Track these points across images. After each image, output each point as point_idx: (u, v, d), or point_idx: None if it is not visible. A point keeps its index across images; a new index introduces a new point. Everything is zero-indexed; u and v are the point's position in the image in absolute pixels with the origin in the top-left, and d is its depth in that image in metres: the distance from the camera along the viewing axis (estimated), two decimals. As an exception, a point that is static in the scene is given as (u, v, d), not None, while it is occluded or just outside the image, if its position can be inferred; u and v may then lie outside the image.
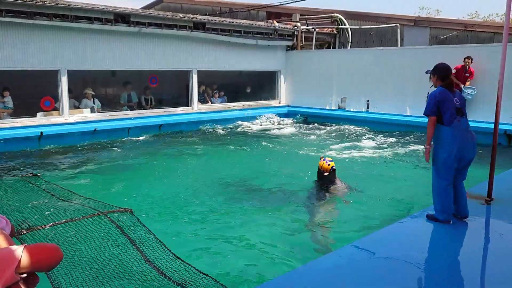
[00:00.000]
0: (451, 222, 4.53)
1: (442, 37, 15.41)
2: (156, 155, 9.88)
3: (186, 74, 13.77)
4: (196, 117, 13.53)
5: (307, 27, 16.43)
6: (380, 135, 12.20)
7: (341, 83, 14.82)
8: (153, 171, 8.61)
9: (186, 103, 13.89)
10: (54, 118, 11.09)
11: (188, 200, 6.73)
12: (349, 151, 10.18)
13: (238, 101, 15.29)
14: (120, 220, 4.75)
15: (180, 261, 3.69)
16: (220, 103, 14.97)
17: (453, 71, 10.78)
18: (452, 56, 11.59)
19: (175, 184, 7.63)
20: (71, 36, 11.10)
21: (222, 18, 14.86)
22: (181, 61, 13.38)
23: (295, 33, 16.08)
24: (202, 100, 14.45)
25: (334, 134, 12.75)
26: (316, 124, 14.29)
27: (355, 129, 13.18)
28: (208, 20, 13.78)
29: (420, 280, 3.44)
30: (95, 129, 11.22)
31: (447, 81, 4.48)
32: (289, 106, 16.10)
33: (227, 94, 15.29)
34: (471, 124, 4.67)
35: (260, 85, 16.26)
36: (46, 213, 5.00)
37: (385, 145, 10.98)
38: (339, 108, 14.86)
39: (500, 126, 5.60)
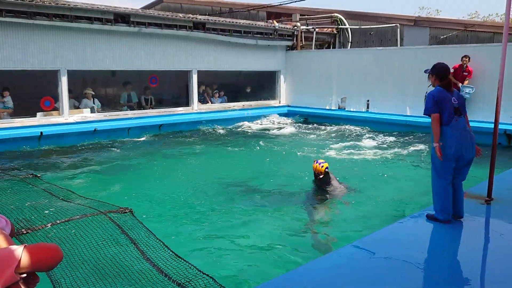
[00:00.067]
0: (450, 222, 4.53)
1: (442, 37, 15.41)
2: (156, 155, 9.89)
3: (186, 74, 13.76)
4: (196, 117, 13.52)
5: (307, 27, 16.43)
6: (380, 135, 12.20)
7: (341, 83, 14.82)
8: (153, 171, 8.61)
9: (186, 103, 13.89)
10: (54, 118, 11.09)
11: (188, 200, 6.73)
12: (349, 151, 10.18)
13: (238, 101, 15.29)
14: (120, 220, 4.74)
15: (179, 260, 3.69)
16: (220, 103, 14.97)
17: (451, 70, 10.81)
18: (452, 56, 11.59)
19: (175, 184, 7.63)
20: (71, 36, 11.10)
21: (222, 18, 14.86)
22: (181, 61, 13.38)
23: (295, 33, 16.08)
24: (202, 100, 14.45)
25: (334, 134, 12.75)
26: (316, 124, 14.29)
27: (355, 129, 13.18)
28: (208, 20, 13.78)
29: (420, 280, 3.44)
30: (95, 129, 11.22)
31: (446, 81, 4.48)
32: (289, 106, 16.10)
33: (227, 94, 15.29)
34: (471, 124, 4.67)
35: (260, 85, 16.26)
36: (46, 212, 4.99)
37: (385, 145, 10.98)
38: (339, 108, 14.86)
39: (500, 126, 5.60)
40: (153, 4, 22.96)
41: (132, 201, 6.46)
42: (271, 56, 15.74)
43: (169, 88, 14.78)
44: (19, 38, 10.34)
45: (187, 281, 3.26)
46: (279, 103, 16.26)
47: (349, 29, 17.17)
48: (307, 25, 16.67)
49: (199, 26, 13.44)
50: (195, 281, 3.23)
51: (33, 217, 4.82)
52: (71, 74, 11.31)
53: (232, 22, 14.37)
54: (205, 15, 16.22)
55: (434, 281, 3.41)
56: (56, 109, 11.26)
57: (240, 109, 14.90)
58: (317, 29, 16.63)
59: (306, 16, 17.66)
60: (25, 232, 4.17)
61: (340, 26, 17.28)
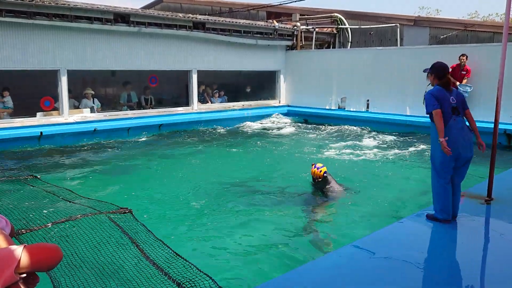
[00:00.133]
0: (450, 222, 4.53)
1: (442, 36, 15.41)
2: (155, 155, 9.88)
3: (186, 74, 13.76)
4: (196, 117, 13.52)
5: (307, 27, 16.43)
6: (380, 135, 12.20)
7: (341, 83, 14.81)
8: (152, 171, 8.61)
9: (186, 103, 13.89)
10: (54, 118, 11.09)
11: (187, 200, 6.73)
12: (348, 151, 10.18)
13: (238, 101, 15.28)
14: (119, 220, 4.74)
15: (179, 260, 3.69)
16: (220, 103, 14.97)
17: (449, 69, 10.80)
18: (452, 56, 11.58)
19: (175, 184, 7.63)
20: (71, 36, 11.10)
21: (222, 18, 14.85)
22: (181, 61, 13.37)
23: (295, 33, 16.07)
24: (202, 100, 14.45)
25: (334, 134, 12.75)
26: (315, 124, 14.29)
27: (354, 129, 13.19)
28: (208, 20, 13.78)
29: (420, 280, 3.44)
30: (94, 129, 11.22)
31: (444, 80, 4.48)
32: (288, 106, 16.10)
33: (227, 94, 15.28)
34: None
35: (260, 85, 16.26)
36: (45, 212, 4.99)
37: (385, 145, 10.98)
38: (339, 108, 14.85)
39: (500, 126, 5.60)
40: (153, 4, 22.95)
41: (132, 201, 6.46)
42: (271, 56, 15.74)
43: (169, 88, 14.77)
44: (19, 38, 10.34)
45: (187, 280, 3.26)
46: (279, 103, 16.26)
47: (349, 29, 17.16)
48: (307, 25, 16.67)
49: (199, 26, 13.44)
50: (195, 281, 3.22)
51: (32, 216, 4.82)
52: (71, 74, 11.31)
53: (232, 22, 14.36)
54: (205, 15, 16.22)
55: (434, 281, 3.41)
56: (56, 109, 11.26)
57: (240, 109, 14.89)
58: (317, 29, 16.63)
59: (306, 16, 17.66)
60: (24, 232, 4.17)
61: (340, 26, 17.28)
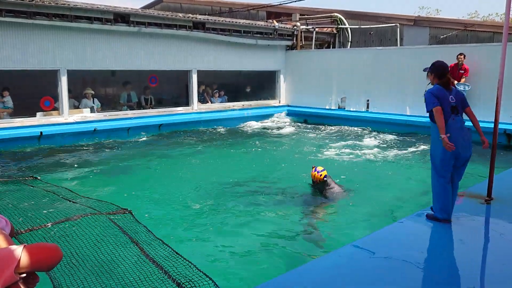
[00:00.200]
0: (450, 222, 4.53)
1: (441, 36, 15.41)
2: (155, 155, 9.88)
3: (186, 74, 13.76)
4: (196, 117, 13.52)
5: (306, 27, 16.43)
6: (380, 135, 12.21)
7: (340, 82, 14.81)
8: (152, 171, 8.61)
9: (186, 103, 13.89)
10: (54, 118, 11.08)
11: (187, 200, 6.73)
12: (348, 151, 10.18)
13: (238, 101, 15.28)
14: (119, 220, 4.74)
15: (179, 259, 3.69)
16: (220, 103, 14.97)
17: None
18: (452, 55, 11.58)
19: (175, 184, 7.63)
20: (70, 36, 11.10)
21: (221, 18, 14.85)
22: (180, 61, 13.37)
23: (294, 33, 16.07)
24: (202, 100, 14.45)
25: (333, 134, 12.75)
26: (315, 124, 14.29)
27: (354, 129, 13.19)
28: (207, 19, 13.78)
29: (420, 280, 3.44)
30: (94, 129, 11.22)
31: (444, 79, 4.48)
32: (288, 105, 16.10)
33: (227, 94, 15.28)
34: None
35: (260, 84, 16.26)
36: (45, 212, 4.99)
37: (384, 145, 10.98)
38: (339, 108, 14.85)
39: (500, 126, 5.60)
40: (152, 4, 22.95)
41: (132, 201, 6.46)
42: (271, 55, 15.74)
43: (169, 88, 14.77)
44: (19, 38, 10.33)
45: (186, 280, 3.26)
46: (279, 102, 16.26)
47: (349, 29, 17.16)
48: (307, 24, 16.67)
49: (199, 25, 13.44)
50: (195, 281, 3.22)
51: (32, 218, 4.82)
52: (71, 74, 11.31)
53: (232, 21, 14.36)
54: (205, 14, 16.22)
55: (434, 281, 3.41)
56: (56, 109, 11.26)
57: (240, 109, 14.89)
58: (317, 29, 16.63)
59: (306, 16, 17.66)
60: (24, 231, 4.17)
61: (340, 26, 17.28)
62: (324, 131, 13.10)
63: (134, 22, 11.97)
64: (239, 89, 15.83)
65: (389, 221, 5.21)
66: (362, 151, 10.16)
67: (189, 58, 13.52)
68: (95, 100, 12.11)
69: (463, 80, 11.64)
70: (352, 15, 17.43)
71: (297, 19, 16.93)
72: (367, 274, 3.47)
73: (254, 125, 14.25)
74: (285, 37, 15.93)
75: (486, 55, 11.57)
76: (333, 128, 13.53)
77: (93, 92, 12.07)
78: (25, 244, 2.05)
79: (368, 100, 14.15)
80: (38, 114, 10.93)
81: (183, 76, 13.80)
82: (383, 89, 13.78)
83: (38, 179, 6.75)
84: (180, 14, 13.32)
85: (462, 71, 11.67)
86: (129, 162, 9.15)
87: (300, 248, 5.05)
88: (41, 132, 10.35)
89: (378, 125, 13.18)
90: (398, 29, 16.07)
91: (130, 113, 12.52)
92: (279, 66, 16.10)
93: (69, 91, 11.40)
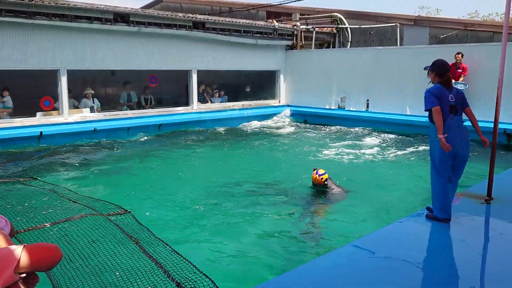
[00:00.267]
0: (450, 221, 4.53)
1: (441, 36, 15.41)
2: (155, 155, 9.88)
3: (185, 74, 13.76)
4: (196, 117, 13.52)
5: (306, 27, 16.42)
6: (380, 135, 12.21)
7: (340, 82, 14.81)
8: (152, 171, 8.60)
9: (186, 102, 13.88)
10: (54, 118, 11.08)
11: (187, 199, 6.73)
12: (348, 151, 10.18)
13: (238, 101, 15.28)
14: (119, 220, 4.75)
15: (178, 259, 3.69)
16: (220, 102, 14.96)
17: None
18: (452, 55, 11.58)
19: (174, 184, 7.63)
20: (70, 35, 11.09)
21: (221, 18, 14.84)
22: (180, 61, 13.37)
23: (294, 33, 16.07)
24: (202, 99, 14.44)
25: (333, 133, 12.75)
26: (315, 124, 14.29)
27: (354, 129, 13.19)
28: (207, 19, 13.78)
29: (420, 280, 3.43)
30: (94, 129, 11.22)
31: (445, 78, 4.49)
32: (288, 105, 16.09)
33: (226, 94, 15.28)
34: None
35: (260, 84, 16.26)
36: (45, 212, 4.99)
37: (384, 145, 10.98)
38: (338, 108, 14.85)
39: (500, 125, 5.60)
40: (152, 4, 22.95)
41: (132, 201, 6.46)
42: (270, 55, 15.74)
43: (169, 88, 14.77)
44: (19, 38, 10.33)
45: (186, 280, 3.26)
46: (279, 102, 16.26)
47: (348, 29, 17.16)
48: (307, 24, 16.66)
49: (198, 25, 13.43)
50: (194, 281, 3.22)
51: (32, 216, 4.82)
52: (71, 74, 11.31)
53: (232, 21, 14.36)
54: (205, 14, 16.21)
55: (434, 281, 3.41)
56: (55, 109, 11.26)
57: (240, 109, 14.89)
58: (316, 29, 16.63)
59: (306, 16, 17.66)
60: (23, 231, 4.17)
61: (340, 26, 17.28)
62: (324, 131, 13.10)
63: (134, 22, 11.97)
64: (239, 89, 15.82)
65: (389, 221, 5.21)
66: (362, 151, 10.16)
67: (189, 58, 13.51)
68: (95, 100, 12.10)
69: (461, 79, 11.63)
70: (352, 15, 17.43)
71: (297, 19, 16.93)
72: (367, 274, 3.47)
73: (254, 125, 14.24)
74: (285, 37, 15.92)
75: (486, 55, 11.57)
76: (333, 128, 13.53)
77: (93, 92, 12.07)
78: (25, 244, 2.05)
79: (368, 100, 14.15)
80: (38, 114, 10.93)
81: (183, 76, 13.80)
82: (383, 89, 13.77)
83: (38, 179, 6.75)
84: (180, 14, 13.32)
85: (460, 70, 11.67)
86: (129, 162, 9.15)
87: (300, 248, 5.05)
88: (41, 132, 10.34)
89: (378, 125, 13.18)
90: (398, 29, 16.07)
91: (130, 113, 12.51)
92: (279, 66, 16.09)
93: (69, 91, 11.40)
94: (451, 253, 4.02)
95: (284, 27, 15.78)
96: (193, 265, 3.53)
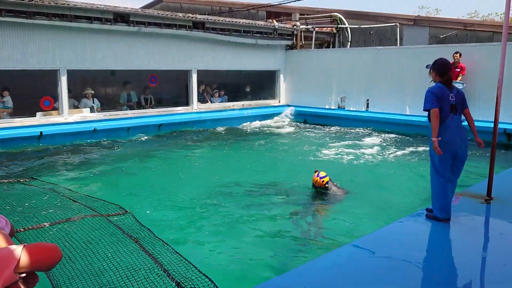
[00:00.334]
0: (450, 221, 4.53)
1: (441, 36, 15.41)
2: (155, 154, 9.88)
3: (185, 74, 13.75)
4: (196, 117, 13.52)
5: (306, 27, 16.42)
6: (380, 135, 12.21)
7: (340, 82, 14.81)
8: (152, 171, 8.60)
9: (186, 102, 13.88)
10: (54, 118, 11.08)
11: (187, 200, 6.73)
12: (348, 151, 10.18)
13: (238, 101, 15.28)
14: (119, 220, 4.75)
15: (178, 259, 3.69)
16: (220, 102, 14.96)
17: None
18: (451, 55, 11.58)
19: (174, 184, 7.62)
20: (70, 35, 11.09)
21: (221, 18, 14.84)
22: (180, 61, 13.37)
23: (294, 33, 16.07)
24: (202, 99, 14.44)
25: (333, 133, 12.75)
26: (315, 124, 14.29)
27: (354, 129, 13.18)
28: (207, 19, 13.77)
29: (420, 280, 3.43)
30: (94, 129, 11.22)
31: (446, 77, 4.49)
32: (288, 105, 16.09)
33: (226, 94, 15.28)
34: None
35: (260, 84, 16.25)
36: (44, 213, 4.99)
37: (384, 144, 10.98)
38: (338, 108, 14.85)
39: (500, 125, 5.60)
40: (152, 4, 22.94)
41: (132, 201, 6.45)
42: (270, 55, 15.73)
43: (169, 88, 14.77)
44: (19, 38, 10.33)
45: (186, 280, 3.26)
46: (279, 102, 16.26)
47: (348, 29, 17.16)
48: (307, 24, 16.66)
49: (198, 25, 13.43)
50: (194, 281, 3.23)
51: (32, 217, 4.82)
52: (71, 74, 11.31)
53: (232, 21, 14.36)
54: (205, 14, 16.21)
55: (434, 281, 3.41)
56: (55, 109, 11.25)
57: (239, 109, 14.89)
58: (316, 29, 16.63)
59: (306, 16, 17.65)
60: (22, 230, 4.17)
61: (340, 26, 17.28)
62: (324, 131, 13.10)
63: (134, 22, 11.96)
64: (239, 89, 15.82)
65: (389, 221, 5.20)
66: (362, 151, 10.16)
67: (188, 57, 13.51)
68: (95, 100, 12.10)
69: (459, 78, 11.64)
70: (352, 15, 17.43)
71: (297, 19, 16.93)
72: (367, 274, 3.47)
73: (254, 124, 14.24)
74: (285, 37, 15.92)
75: (486, 55, 11.57)
76: (332, 128, 13.52)
77: (93, 92, 12.07)
78: (25, 244, 2.05)
79: (368, 100, 14.15)
80: (38, 114, 10.92)
81: (183, 76, 13.79)
82: (383, 89, 13.77)
83: (37, 179, 6.75)
84: (180, 14, 13.32)
85: (458, 70, 11.68)
86: (129, 162, 9.15)
87: (300, 248, 5.05)
88: (41, 132, 10.34)
89: (378, 124, 13.18)
90: (398, 28, 16.07)
91: (130, 113, 12.51)
92: (279, 66, 16.09)
93: (69, 91, 11.40)
94: (451, 253, 4.02)
95: (284, 27, 15.78)
96: (193, 265, 3.53)
